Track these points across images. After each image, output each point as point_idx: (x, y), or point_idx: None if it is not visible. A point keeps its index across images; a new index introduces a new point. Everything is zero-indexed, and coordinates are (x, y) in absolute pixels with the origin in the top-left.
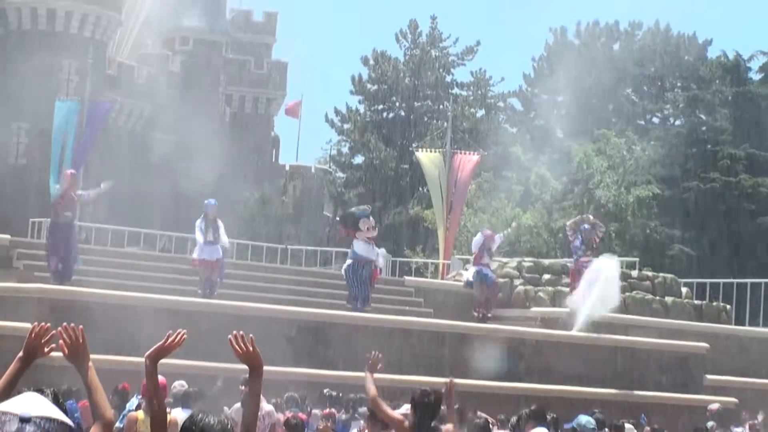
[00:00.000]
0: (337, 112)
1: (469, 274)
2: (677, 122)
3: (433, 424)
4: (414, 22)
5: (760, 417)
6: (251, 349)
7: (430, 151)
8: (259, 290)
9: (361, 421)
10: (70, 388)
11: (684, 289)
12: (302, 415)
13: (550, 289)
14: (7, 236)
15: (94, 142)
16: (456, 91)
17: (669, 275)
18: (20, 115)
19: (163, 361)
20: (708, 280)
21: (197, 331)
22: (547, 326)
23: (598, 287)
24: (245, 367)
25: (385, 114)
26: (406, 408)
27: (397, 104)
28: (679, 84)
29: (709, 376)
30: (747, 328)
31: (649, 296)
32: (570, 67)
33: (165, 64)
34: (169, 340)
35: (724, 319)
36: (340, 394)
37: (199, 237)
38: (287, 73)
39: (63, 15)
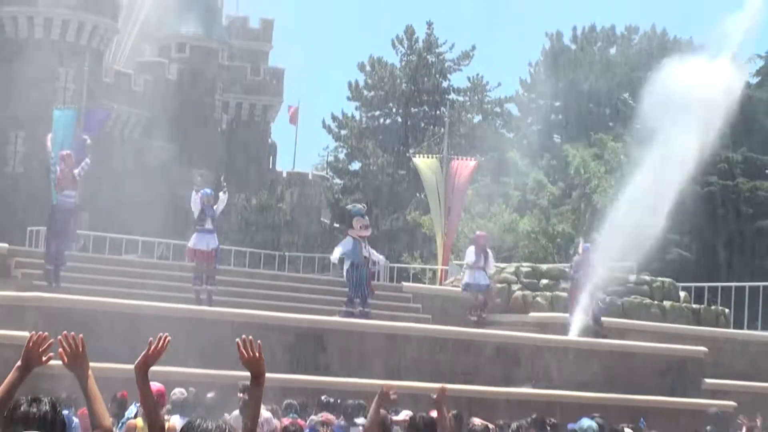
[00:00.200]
0: (334, 118)
1: (464, 277)
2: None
3: None
4: (410, 28)
5: (758, 421)
6: (257, 355)
7: (428, 157)
8: (257, 297)
9: (360, 428)
10: (69, 396)
11: (682, 293)
12: (301, 422)
13: (548, 294)
14: (5, 245)
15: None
16: (453, 96)
17: (667, 279)
18: (17, 123)
19: (161, 368)
20: (706, 284)
21: (196, 339)
22: (545, 331)
23: None
24: (243, 374)
25: (381, 120)
26: (405, 414)
27: (394, 110)
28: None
29: (707, 380)
30: (746, 331)
31: (648, 300)
32: (566, 72)
33: (162, 71)
34: (152, 347)
35: (723, 323)
36: (339, 401)
37: (195, 206)
38: (284, 80)
39: (60, 23)
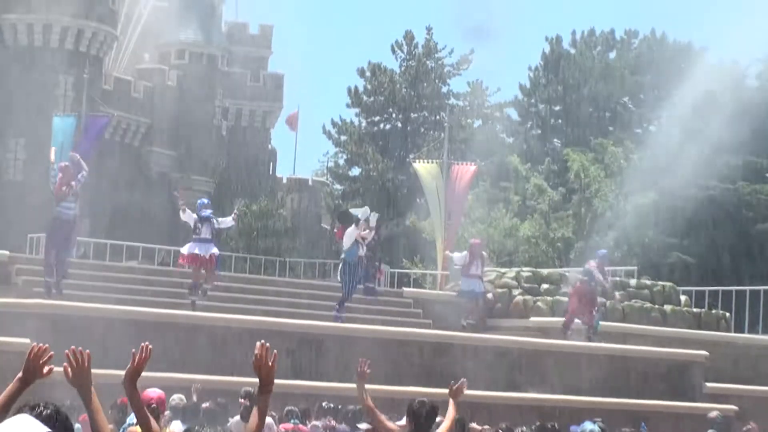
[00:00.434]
0: (333, 124)
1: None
2: (674, 130)
3: None
4: (410, 33)
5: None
6: (270, 364)
7: (428, 162)
8: (257, 303)
9: None
10: (72, 404)
11: (683, 297)
12: (303, 428)
13: (548, 298)
14: (6, 252)
15: (91, 156)
16: (452, 101)
17: (668, 283)
18: (17, 130)
19: (161, 374)
20: (707, 288)
21: (196, 345)
22: (546, 336)
23: None
24: (244, 380)
25: (381, 125)
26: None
27: (394, 115)
28: (675, 92)
29: (708, 384)
30: (746, 335)
31: (648, 304)
32: (566, 77)
33: (161, 78)
34: (137, 358)
35: (724, 327)
36: (339, 406)
37: (188, 218)
38: (284, 86)
39: (59, 30)
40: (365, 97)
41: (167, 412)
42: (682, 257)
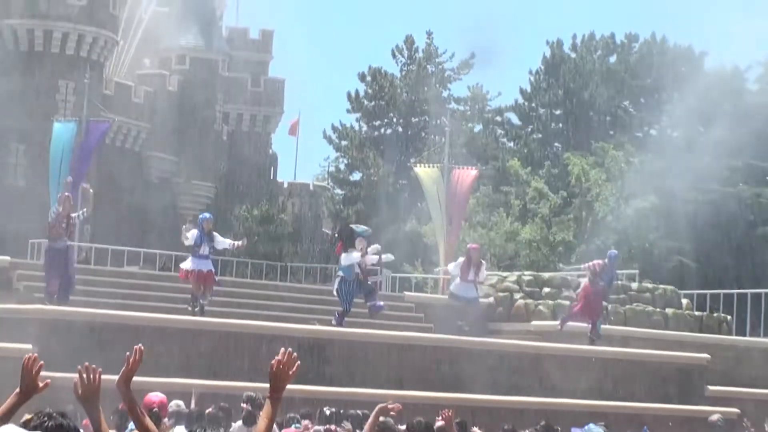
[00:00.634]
0: (334, 128)
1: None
2: (675, 134)
3: None
4: (410, 38)
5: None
6: (289, 372)
7: (428, 167)
8: (259, 308)
9: None
10: (75, 410)
11: (684, 301)
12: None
13: (550, 302)
14: (7, 258)
15: (92, 161)
16: (453, 105)
17: (669, 287)
18: (18, 135)
19: (162, 380)
20: (708, 291)
21: (198, 350)
22: (548, 339)
23: None
24: (246, 385)
25: (382, 130)
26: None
27: (395, 120)
28: (676, 95)
29: (710, 387)
30: (748, 338)
31: (650, 308)
32: (567, 80)
33: (162, 83)
34: (130, 361)
35: (725, 330)
36: (341, 411)
37: (189, 240)
38: (284, 91)
39: (59, 36)
40: (366, 102)
41: (165, 419)
42: (683, 260)
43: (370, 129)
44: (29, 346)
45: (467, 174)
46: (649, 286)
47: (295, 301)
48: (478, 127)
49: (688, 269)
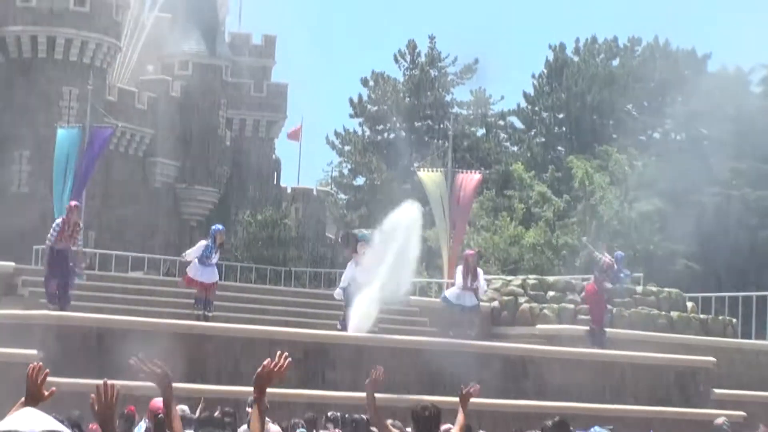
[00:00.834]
0: (337, 134)
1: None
2: (678, 137)
3: None
4: (412, 43)
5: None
6: (277, 370)
7: (432, 171)
8: (263, 312)
9: None
10: (81, 414)
11: (689, 304)
12: None
13: (555, 306)
14: (12, 263)
15: (96, 167)
16: (456, 110)
17: (674, 290)
18: (22, 142)
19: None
20: (713, 294)
21: (203, 355)
22: (553, 343)
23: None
24: (249, 389)
25: (385, 134)
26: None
27: (398, 124)
28: (679, 98)
29: (716, 390)
30: (753, 341)
31: (655, 311)
32: (570, 84)
33: (165, 88)
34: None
35: (730, 333)
36: (346, 415)
37: (195, 253)
38: (287, 96)
39: (63, 42)
40: (369, 106)
41: None
42: (688, 263)
43: (373, 134)
44: (34, 352)
45: (471, 178)
46: (654, 289)
47: (299, 305)
48: (481, 131)
49: (693, 272)
